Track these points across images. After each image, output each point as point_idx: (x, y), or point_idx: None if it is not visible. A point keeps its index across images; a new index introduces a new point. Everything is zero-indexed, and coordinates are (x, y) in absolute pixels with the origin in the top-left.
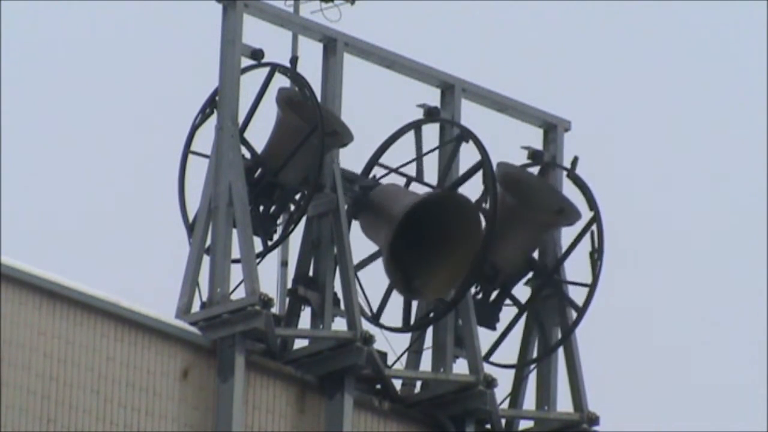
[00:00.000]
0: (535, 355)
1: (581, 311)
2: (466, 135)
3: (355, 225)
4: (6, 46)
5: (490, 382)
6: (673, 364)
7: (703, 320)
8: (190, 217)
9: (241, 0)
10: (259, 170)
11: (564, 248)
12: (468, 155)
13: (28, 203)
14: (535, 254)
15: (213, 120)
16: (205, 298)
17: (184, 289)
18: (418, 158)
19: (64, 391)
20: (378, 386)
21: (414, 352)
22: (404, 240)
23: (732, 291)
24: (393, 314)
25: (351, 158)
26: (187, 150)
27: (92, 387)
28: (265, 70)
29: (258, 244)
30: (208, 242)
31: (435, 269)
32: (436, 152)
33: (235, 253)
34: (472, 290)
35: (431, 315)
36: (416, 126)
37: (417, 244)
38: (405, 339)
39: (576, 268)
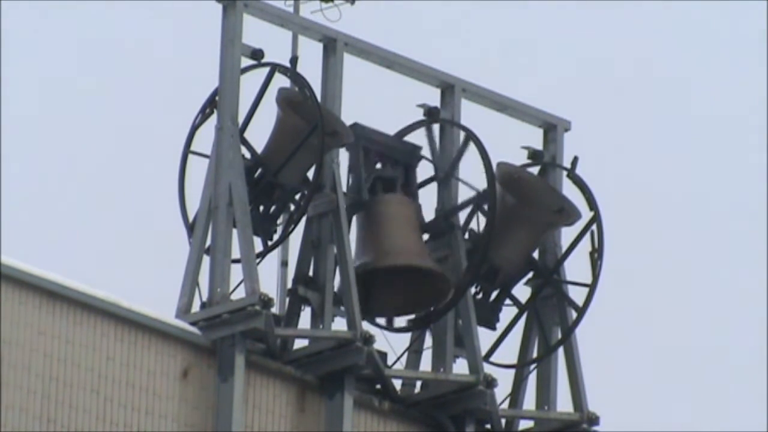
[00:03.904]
0: (535, 355)
1: (581, 311)
2: (468, 135)
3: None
4: (6, 46)
5: (490, 382)
6: (672, 364)
7: (704, 322)
8: (190, 217)
9: (241, 0)
10: (259, 170)
11: (564, 248)
12: (469, 154)
13: (28, 203)
14: (535, 254)
15: (213, 120)
16: (205, 298)
17: (184, 289)
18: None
19: (64, 391)
20: (378, 386)
21: (414, 352)
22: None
23: (733, 297)
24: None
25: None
26: (187, 150)
27: (92, 387)
28: (265, 70)
29: (258, 244)
30: (208, 242)
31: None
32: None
33: (235, 253)
34: (472, 290)
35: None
36: (425, 125)
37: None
38: (405, 339)
39: (576, 268)
